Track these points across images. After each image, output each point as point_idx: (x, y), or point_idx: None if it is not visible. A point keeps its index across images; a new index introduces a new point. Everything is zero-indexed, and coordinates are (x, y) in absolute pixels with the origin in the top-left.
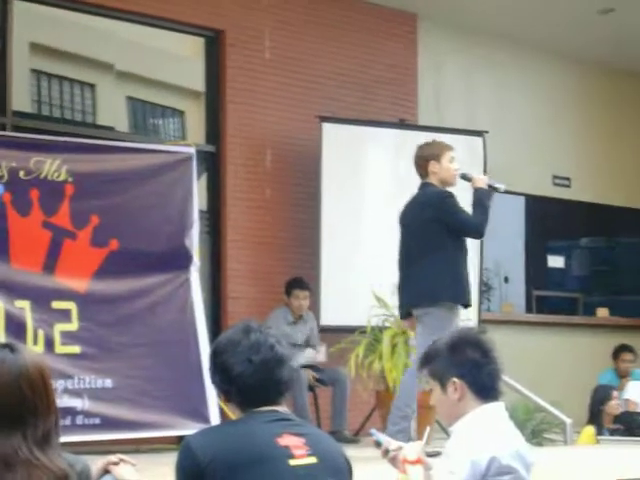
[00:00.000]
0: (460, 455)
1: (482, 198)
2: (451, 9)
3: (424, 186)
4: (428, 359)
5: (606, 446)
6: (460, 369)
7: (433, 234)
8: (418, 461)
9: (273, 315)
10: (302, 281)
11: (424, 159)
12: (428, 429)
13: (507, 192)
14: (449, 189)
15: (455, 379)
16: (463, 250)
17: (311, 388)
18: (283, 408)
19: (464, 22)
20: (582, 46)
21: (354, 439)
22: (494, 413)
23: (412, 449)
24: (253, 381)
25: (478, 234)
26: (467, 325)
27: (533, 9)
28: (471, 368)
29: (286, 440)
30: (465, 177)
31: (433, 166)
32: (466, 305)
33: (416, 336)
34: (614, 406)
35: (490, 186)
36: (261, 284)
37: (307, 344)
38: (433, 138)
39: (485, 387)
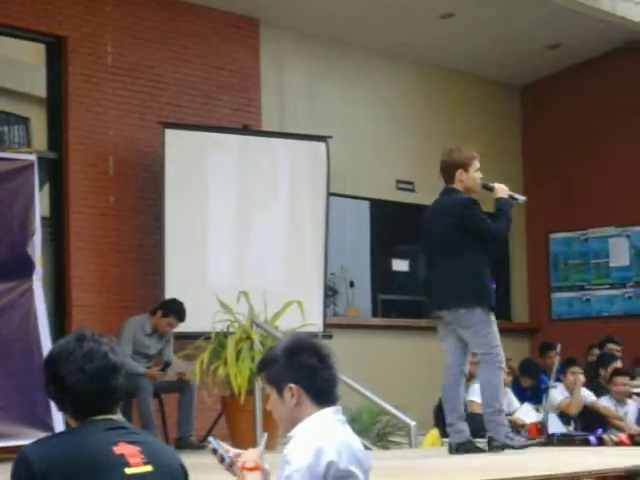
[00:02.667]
0: (298, 460)
1: (504, 207)
2: (292, 15)
3: (449, 192)
4: (265, 365)
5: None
6: (296, 374)
7: (461, 240)
8: (256, 467)
9: (131, 322)
10: (184, 313)
11: (453, 166)
12: (265, 435)
13: (352, 197)
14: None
15: (292, 384)
16: (486, 254)
17: (157, 394)
18: (118, 416)
19: (306, 27)
20: (424, 50)
21: (201, 445)
22: (331, 417)
23: (250, 456)
24: (87, 390)
25: (499, 241)
26: (306, 330)
27: (375, 14)
28: (307, 373)
29: (122, 449)
30: (487, 187)
31: (461, 174)
32: (491, 307)
33: (468, 342)
34: None
35: (511, 196)
36: (106, 291)
37: (159, 356)
38: (458, 146)
39: (322, 392)
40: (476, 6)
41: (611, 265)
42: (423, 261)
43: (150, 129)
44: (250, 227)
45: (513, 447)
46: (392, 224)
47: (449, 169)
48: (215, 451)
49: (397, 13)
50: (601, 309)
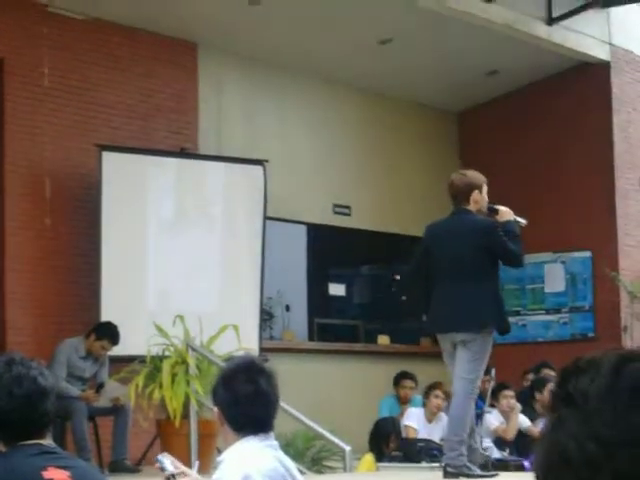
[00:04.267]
0: None
1: (515, 230)
2: (231, 38)
3: (466, 212)
4: (215, 382)
5: (385, 473)
6: (223, 400)
7: (484, 261)
8: None
9: (65, 345)
10: (118, 336)
11: (469, 187)
12: (197, 463)
13: (288, 221)
14: None
15: (216, 408)
16: (498, 277)
17: (91, 418)
18: (48, 441)
19: (244, 51)
20: (362, 75)
21: (135, 469)
22: (259, 444)
23: None
24: (16, 415)
25: (521, 264)
26: (248, 354)
27: (313, 38)
28: (230, 404)
29: (51, 473)
30: (493, 209)
31: (477, 195)
32: (506, 331)
33: (457, 360)
34: (391, 447)
35: (515, 219)
36: (42, 314)
37: (94, 379)
38: (464, 171)
39: (239, 425)
40: (414, 33)
41: (546, 291)
42: (358, 285)
43: (87, 151)
44: (187, 251)
45: (470, 476)
46: (329, 248)
47: (466, 190)
48: (163, 470)
49: (336, 37)
50: (537, 334)
